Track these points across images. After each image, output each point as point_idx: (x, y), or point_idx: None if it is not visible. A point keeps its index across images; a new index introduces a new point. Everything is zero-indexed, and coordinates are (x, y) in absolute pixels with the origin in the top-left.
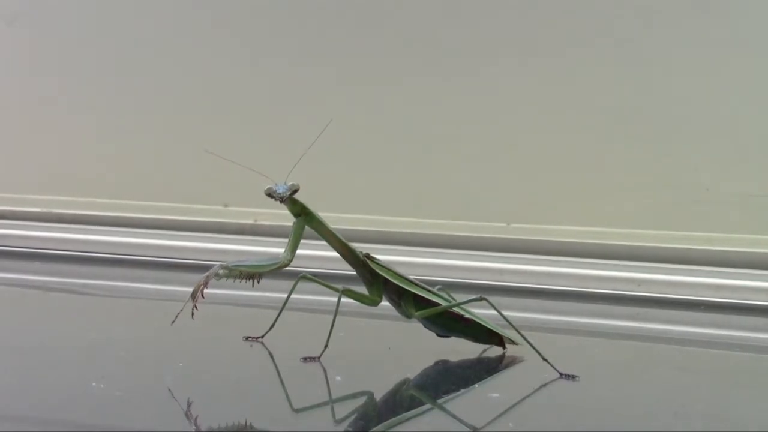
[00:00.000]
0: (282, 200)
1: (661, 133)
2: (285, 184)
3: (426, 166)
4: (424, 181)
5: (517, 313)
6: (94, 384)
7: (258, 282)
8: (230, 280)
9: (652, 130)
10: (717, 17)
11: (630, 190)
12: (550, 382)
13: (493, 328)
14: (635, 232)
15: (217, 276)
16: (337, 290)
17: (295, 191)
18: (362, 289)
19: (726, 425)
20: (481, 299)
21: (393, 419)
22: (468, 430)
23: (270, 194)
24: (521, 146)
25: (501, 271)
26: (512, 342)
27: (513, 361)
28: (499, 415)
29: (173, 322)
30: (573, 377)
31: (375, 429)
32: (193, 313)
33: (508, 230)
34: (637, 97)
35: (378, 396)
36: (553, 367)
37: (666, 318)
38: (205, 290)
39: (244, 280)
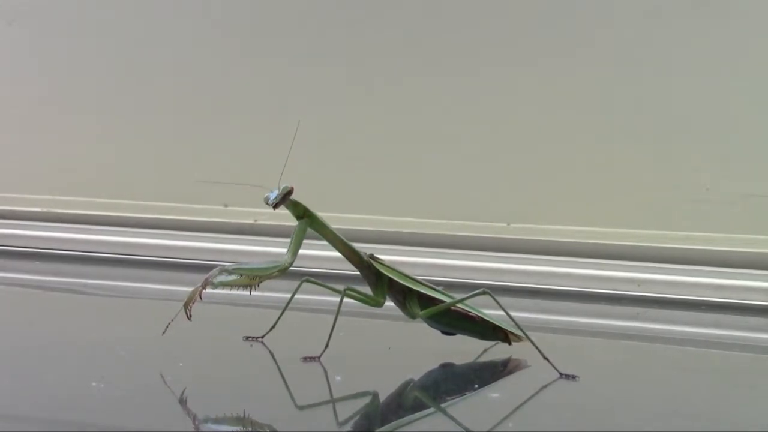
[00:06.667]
0: (274, 208)
1: (661, 133)
2: (277, 188)
3: (426, 166)
4: (424, 181)
5: (517, 312)
6: (94, 384)
7: (257, 288)
8: (231, 281)
9: (652, 130)
10: (717, 17)
11: (630, 190)
12: (551, 382)
13: (498, 324)
14: (635, 232)
15: (213, 285)
16: (339, 292)
17: (289, 193)
18: (365, 290)
19: (726, 425)
20: (483, 293)
21: (393, 419)
22: (468, 430)
23: (266, 203)
24: (521, 146)
25: (501, 271)
26: (517, 338)
27: (517, 366)
28: (500, 416)
29: (164, 332)
30: (573, 377)
31: (375, 429)
32: (189, 316)
33: (508, 230)
34: (637, 97)
35: (378, 396)
36: (554, 367)
37: (666, 318)
38: (203, 291)
39: (240, 288)
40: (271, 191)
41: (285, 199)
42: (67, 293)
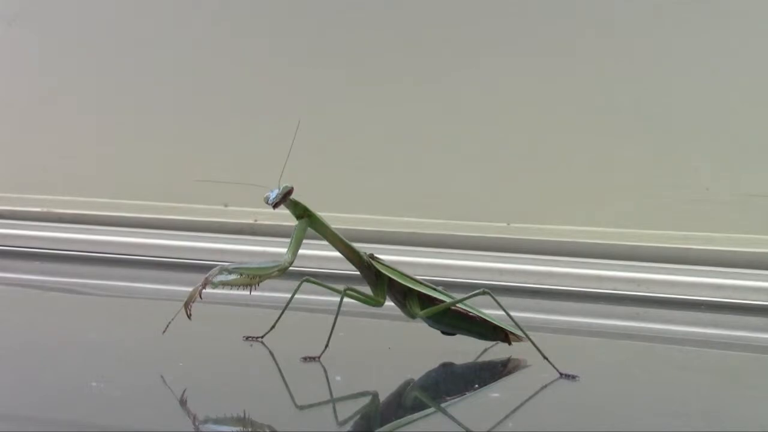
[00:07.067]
0: (274, 207)
1: (661, 133)
2: (278, 188)
3: (426, 166)
4: (424, 181)
5: (517, 312)
6: (94, 384)
7: (257, 287)
8: (231, 280)
9: (652, 130)
10: (717, 17)
11: (630, 190)
12: (550, 382)
13: (498, 324)
14: (635, 232)
15: (213, 285)
16: (339, 291)
17: (289, 193)
18: (365, 290)
19: (726, 425)
20: (483, 293)
21: (393, 419)
22: (468, 430)
23: (266, 202)
24: (521, 146)
25: (501, 271)
26: (517, 338)
27: (517, 366)
28: (500, 416)
29: (164, 331)
30: (573, 377)
31: (375, 429)
32: (189, 315)
33: (508, 230)
34: (638, 97)
35: (378, 396)
36: (554, 367)
37: (666, 318)
38: (203, 291)
39: (240, 288)
40: (271, 191)
41: (285, 198)
42: (67, 293)
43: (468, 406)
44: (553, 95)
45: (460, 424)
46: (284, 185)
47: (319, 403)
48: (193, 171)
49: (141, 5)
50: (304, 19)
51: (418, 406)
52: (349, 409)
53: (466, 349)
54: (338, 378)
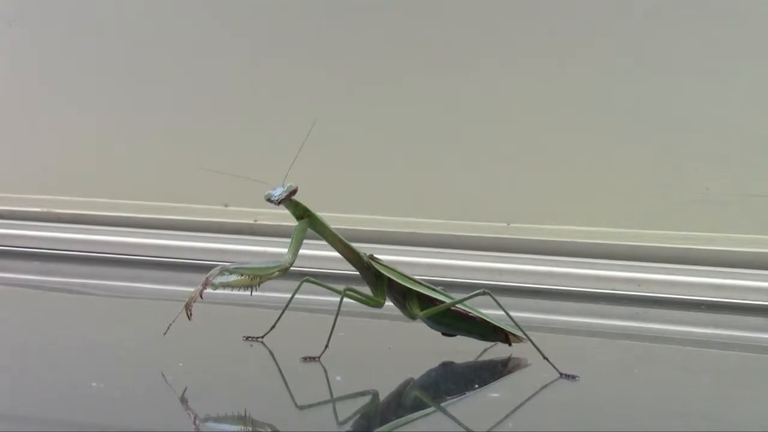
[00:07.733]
0: (278, 204)
1: (661, 133)
2: (282, 186)
3: (426, 166)
4: (424, 181)
5: (517, 312)
6: (94, 384)
7: (257, 288)
8: (232, 281)
9: (652, 130)
10: (717, 17)
11: (630, 190)
12: (551, 382)
13: (498, 325)
14: (635, 232)
15: (213, 286)
16: (339, 292)
17: (293, 192)
18: (365, 290)
19: (726, 425)
20: (483, 293)
21: (393, 419)
22: (469, 430)
23: (269, 199)
24: (521, 146)
25: (501, 271)
26: (517, 339)
27: (517, 365)
28: (500, 416)
29: (165, 333)
30: (573, 377)
31: (375, 429)
32: (189, 316)
33: (508, 230)
34: (637, 97)
35: (378, 396)
36: (554, 367)
37: (666, 318)
38: (204, 291)
39: (241, 289)
40: (274, 188)
41: (289, 197)
42: (66, 293)
43: (468, 406)
44: (553, 95)
45: (460, 423)
46: (289, 184)
47: (319, 403)
48: (193, 171)
49: (141, 5)
50: (304, 19)
51: (418, 406)
52: (349, 409)
53: (466, 349)
54: (338, 378)
